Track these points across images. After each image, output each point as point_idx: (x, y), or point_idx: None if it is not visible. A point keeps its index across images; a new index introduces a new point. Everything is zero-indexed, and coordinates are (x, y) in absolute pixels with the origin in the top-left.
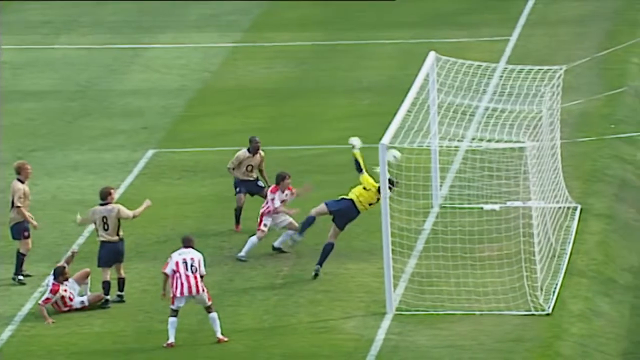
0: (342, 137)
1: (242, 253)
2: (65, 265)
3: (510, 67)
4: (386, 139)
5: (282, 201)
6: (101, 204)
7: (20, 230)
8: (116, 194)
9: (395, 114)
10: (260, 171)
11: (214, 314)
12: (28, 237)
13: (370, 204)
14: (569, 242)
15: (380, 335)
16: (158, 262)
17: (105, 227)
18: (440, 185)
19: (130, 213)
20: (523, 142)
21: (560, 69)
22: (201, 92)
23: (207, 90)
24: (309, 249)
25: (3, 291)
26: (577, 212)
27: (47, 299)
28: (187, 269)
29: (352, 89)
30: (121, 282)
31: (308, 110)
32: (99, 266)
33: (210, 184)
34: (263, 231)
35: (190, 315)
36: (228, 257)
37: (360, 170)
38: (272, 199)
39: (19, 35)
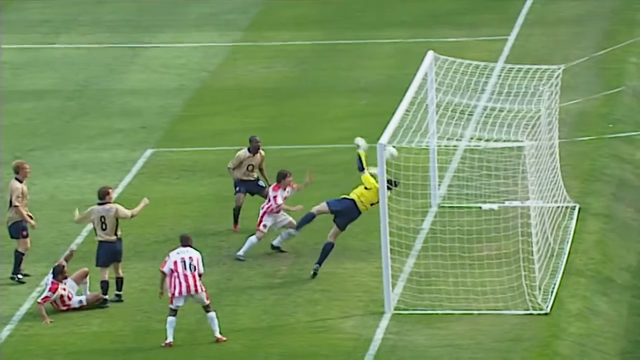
0: (342, 137)
1: (241, 252)
2: (64, 263)
3: (509, 66)
4: (385, 139)
5: (284, 198)
6: (99, 204)
7: (18, 229)
8: (114, 194)
9: (393, 113)
10: (261, 170)
11: (212, 314)
12: (26, 236)
13: (371, 204)
14: (567, 242)
15: (379, 334)
16: (156, 262)
17: (104, 226)
18: (439, 185)
19: (128, 212)
20: (521, 141)
21: (559, 68)
22: (200, 92)
23: (206, 90)
24: (307, 248)
25: (1, 291)
26: (576, 212)
27: (46, 297)
28: (185, 268)
29: (352, 89)
30: (119, 282)
31: (307, 109)
32: (97, 266)
33: (209, 184)
34: (262, 232)
35: (189, 315)
36: (226, 256)
37: (362, 169)
38: (275, 197)
39: (19, 34)
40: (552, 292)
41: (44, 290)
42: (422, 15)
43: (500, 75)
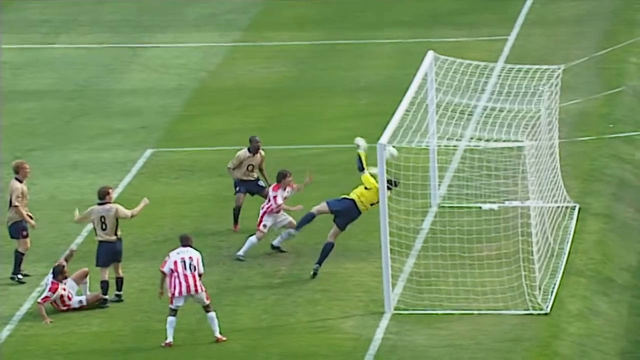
0: (341, 137)
1: (241, 252)
2: (65, 263)
3: (509, 66)
4: (384, 139)
5: (284, 198)
6: (99, 204)
7: (18, 229)
8: (114, 194)
9: (393, 113)
10: (261, 170)
11: (212, 314)
12: (26, 236)
13: (372, 204)
14: (567, 242)
15: (379, 334)
16: (156, 262)
17: (103, 226)
18: (439, 185)
19: (128, 212)
20: (521, 141)
21: (559, 68)
22: (199, 92)
23: (206, 90)
24: (307, 248)
25: (1, 291)
26: (576, 212)
27: (46, 297)
28: (185, 268)
29: (351, 89)
30: (119, 282)
31: (307, 109)
32: (97, 266)
33: (209, 184)
34: (262, 232)
35: (189, 315)
36: (226, 256)
37: (361, 169)
38: (275, 197)
39: (19, 34)
40: (552, 292)
41: (44, 290)
42: (422, 15)
43: (500, 75)
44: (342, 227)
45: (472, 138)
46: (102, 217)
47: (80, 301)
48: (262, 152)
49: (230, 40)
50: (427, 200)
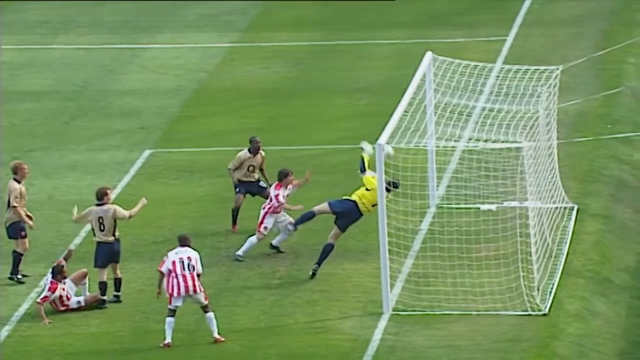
0: (341, 137)
1: (240, 252)
2: (64, 263)
3: (507, 67)
4: (383, 139)
5: (286, 197)
6: (97, 204)
7: (16, 230)
8: (113, 194)
9: (392, 114)
10: (261, 171)
11: (210, 314)
12: (25, 236)
13: (373, 205)
14: (566, 242)
15: (377, 335)
16: (155, 263)
17: (102, 227)
18: (437, 186)
19: (126, 213)
20: (520, 142)
21: (557, 69)
22: (198, 92)
23: (204, 91)
24: (306, 248)
25: (0, 291)
26: (574, 212)
27: (45, 297)
28: (183, 269)
29: (350, 89)
30: (118, 283)
31: (306, 110)
32: (95, 267)
33: (207, 184)
34: (263, 234)
35: (187, 315)
36: (225, 257)
37: (363, 170)
38: (276, 195)
39: (18, 35)
40: (550, 292)
41: (42, 291)
42: (421, 15)
43: (498, 76)
44: (343, 229)
45: (470, 139)
46: (100, 218)
47: (79, 302)
48: (263, 153)
49: (229, 41)
50: (426, 201)
